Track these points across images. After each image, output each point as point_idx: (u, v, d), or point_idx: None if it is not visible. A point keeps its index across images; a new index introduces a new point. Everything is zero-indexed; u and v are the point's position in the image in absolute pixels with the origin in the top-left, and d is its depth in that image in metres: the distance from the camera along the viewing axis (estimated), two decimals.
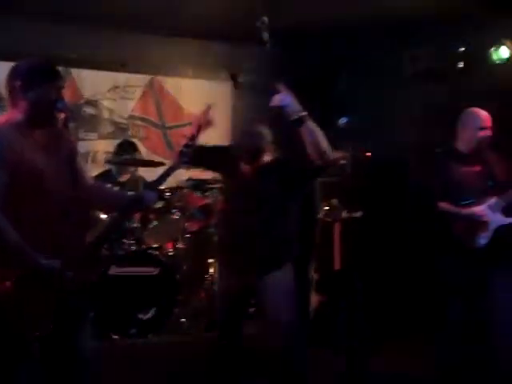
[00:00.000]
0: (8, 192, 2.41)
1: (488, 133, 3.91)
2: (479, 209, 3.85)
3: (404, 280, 5.37)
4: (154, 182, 3.09)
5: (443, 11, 4.96)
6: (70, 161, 2.63)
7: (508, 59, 5.03)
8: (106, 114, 5.84)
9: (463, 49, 5.22)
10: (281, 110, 3.19)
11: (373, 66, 5.93)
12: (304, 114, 3.19)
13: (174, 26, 5.57)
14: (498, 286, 3.89)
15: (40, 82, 2.55)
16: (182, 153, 3.21)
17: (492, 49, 5.03)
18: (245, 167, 3.45)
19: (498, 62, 5.04)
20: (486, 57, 5.07)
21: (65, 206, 2.52)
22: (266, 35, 4.68)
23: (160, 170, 5.29)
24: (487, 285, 3.88)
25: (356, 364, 3.35)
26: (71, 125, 2.58)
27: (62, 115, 2.58)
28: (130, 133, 5.94)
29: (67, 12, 5.15)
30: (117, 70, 5.86)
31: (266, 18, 4.63)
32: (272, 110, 3.21)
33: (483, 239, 3.84)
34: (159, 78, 6.08)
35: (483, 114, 3.95)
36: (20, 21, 5.25)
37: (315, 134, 3.19)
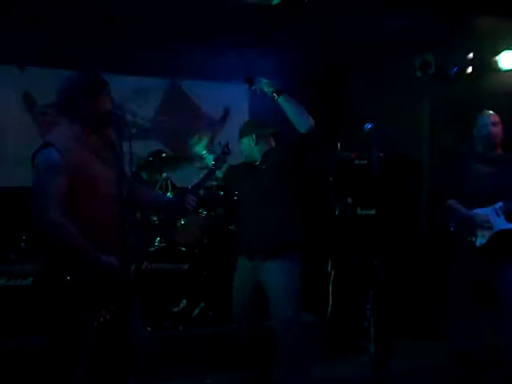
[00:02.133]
0: (69, 197, 2.65)
1: (492, 129, 4.09)
2: (484, 211, 4.02)
3: (418, 273, 5.59)
4: (194, 186, 3.32)
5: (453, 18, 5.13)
6: (118, 165, 2.82)
7: None
8: (129, 117, 6.01)
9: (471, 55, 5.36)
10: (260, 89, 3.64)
11: (384, 69, 6.14)
12: (278, 88, 3.51)
13: (190, 30, 5.74)
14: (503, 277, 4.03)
15: (98, 93, 2.78)
16: (218, 159, 3.51)
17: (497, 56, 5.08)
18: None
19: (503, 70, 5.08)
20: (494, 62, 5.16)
21: (118, 207, 2.73)
22: None
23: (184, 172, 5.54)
24: (493, 275, 4.02)
25: (384, 354, 3.57)
26: (124, 130, 2.77)
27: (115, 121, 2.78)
28: (153, 135, 6.14)
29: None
30: (138, 74, 6.04)
31: None
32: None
33: (481, 239, 4.01)
34: (179, 81, 6.29)
35: (490, 112, 4.17)
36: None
37: (294, 104, 3.49)
